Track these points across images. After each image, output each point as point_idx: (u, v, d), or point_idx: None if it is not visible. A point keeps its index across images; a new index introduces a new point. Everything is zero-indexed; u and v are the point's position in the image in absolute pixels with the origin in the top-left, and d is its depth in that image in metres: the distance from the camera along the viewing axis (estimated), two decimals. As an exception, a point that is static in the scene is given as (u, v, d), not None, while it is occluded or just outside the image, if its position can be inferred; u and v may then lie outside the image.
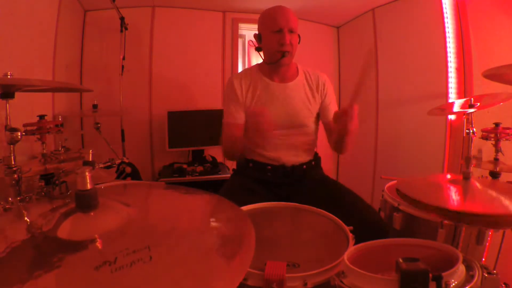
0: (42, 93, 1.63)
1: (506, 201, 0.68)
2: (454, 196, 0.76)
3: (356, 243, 0.73)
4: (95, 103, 1.77)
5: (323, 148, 1.40)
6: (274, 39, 1.19)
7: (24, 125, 1.09)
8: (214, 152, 2.54)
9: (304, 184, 1.24)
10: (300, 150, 1.27)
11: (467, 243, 0.82)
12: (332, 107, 1.30)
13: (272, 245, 0.78)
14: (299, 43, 1.25)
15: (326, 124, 1.31)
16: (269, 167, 1.25)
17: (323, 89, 1.29)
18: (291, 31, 1.19)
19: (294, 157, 1.25)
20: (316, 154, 1.35)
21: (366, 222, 0.97)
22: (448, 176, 0.88)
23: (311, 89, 1.29)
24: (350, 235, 0.77)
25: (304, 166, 1.27)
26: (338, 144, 1.16)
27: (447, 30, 1.85)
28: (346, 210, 0.98)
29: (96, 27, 2.32)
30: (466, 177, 0.80)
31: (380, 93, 2.44)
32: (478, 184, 0.78)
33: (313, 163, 1.31)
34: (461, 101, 1.43)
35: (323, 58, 2.86)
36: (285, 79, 1.28)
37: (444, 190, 0.80)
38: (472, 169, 0.80)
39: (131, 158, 1.78)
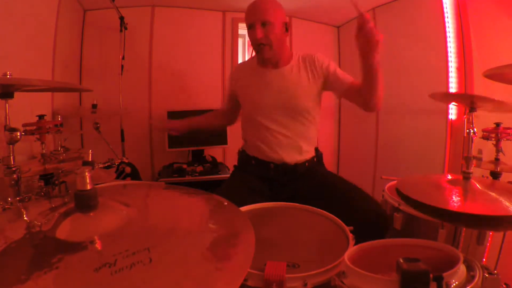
0: (41, 93, 1.62)
1: (506, 202, 0.67)
2: (454, 197, 0.75)
3: (358, 236, 0.73)
4: (95, 103, 1.77)
5: (324, 144, 1.40)
6: (250, 35, 1.20)
7: (23, 125, 1.09)
8: (214, 152, 2.54)
9: (307, 181, 1.23)
10: (303, 147, 1.25)
11: (468, 243, 0.82)
12: (340, 73, 1.21)
13: (272, 245, 0.77)
14: (287, 31, 1.22)
15: (347, 91, 1.19)
16: (272, 165, 1.25)
17: (322, 66, 1.23)
18: (264, 24, 1.16)
19: (297, 156, 1.24)
20: (317, 149, 1.33)
21: (369, 218, 0.97)
22: (449, 177, 0.88)
23: (307, 70, 1.24)
24: (350, 235, 0.77)
25: (307, 164, 1.26)
26: (368, 86, 1.03)
27: (447, 29, 1.84)
28: (349, 205, 0.98)
29: (95, 26, 2.32)
30: (466, 177, 0.79)
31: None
32: (478, 185, 0.78)
33: (315, 159, 1.30)
34: (462, 101, 1.43)
35: (323, 58, 2.86)
36: (278, 65, 1.26)
37: (444, 191, 0.79)
38: (472, 169, 0.79)
39: (131, 158, 1.78)
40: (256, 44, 1.18)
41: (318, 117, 1.31)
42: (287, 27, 1.23)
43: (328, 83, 1.23)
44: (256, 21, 1.16)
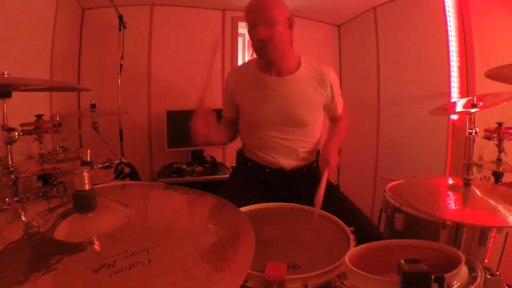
0: (39, 93, 1.62)
1: (505, 212, 0.67)
2: (453, 205, 0.74)
3: (356, 245, 0.72)
4: (93, 103, 1.76)
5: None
6: (251, 35, 1.11)
7: (21, 125, 1.08)
8: (214, 152, 2.54)
9: (304, 185, 1.20)
10: (301, 153, 1.22)
11: (470, 244, 0.81)
12: (338, 104, 1.27)
13: (272, 246, 0.77)
14: (290, 27, 1.13)
15: (330, 119, 1.33)
16: (267, 169, 1.22)
17: (330, 89, 1.19)
18: (267, 23, 1.06)
19: (294, 161, 1.21)
20: (318, 154, 1.29)
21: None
22: (450, 181, 0.87)
23: (315, 83, 1.17)
24: (351, 236, 0.77)
25: (305, 169, 1.23)
26: None
27: (449, 28, 1.84)
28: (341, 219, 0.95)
29: (94, 25, 2.31)
30: (467, 183, 0.79)
31: (381, 93, 2.43)
32: (478, 192, 0.77)
33: (314, 164, 1.26)
34: (464, 100, 1.43)
35: (324, 57, 2.85)
36: (283, 73, 1.17)
37: (443, 198, 0.79)
38: (474, 170, 0.79)
39: (130, 158, 1.78)
40: (258, 45, 1.09)
41: (321, 125, 1.28)
42: (291, 23, 1.13)
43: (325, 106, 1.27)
44: (258, 20, 1.07)
